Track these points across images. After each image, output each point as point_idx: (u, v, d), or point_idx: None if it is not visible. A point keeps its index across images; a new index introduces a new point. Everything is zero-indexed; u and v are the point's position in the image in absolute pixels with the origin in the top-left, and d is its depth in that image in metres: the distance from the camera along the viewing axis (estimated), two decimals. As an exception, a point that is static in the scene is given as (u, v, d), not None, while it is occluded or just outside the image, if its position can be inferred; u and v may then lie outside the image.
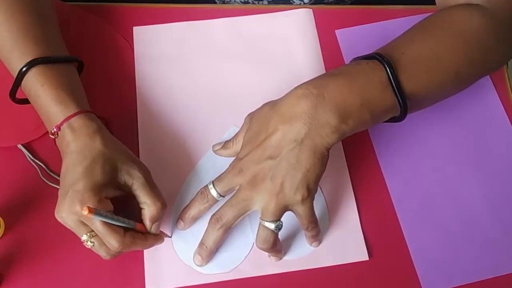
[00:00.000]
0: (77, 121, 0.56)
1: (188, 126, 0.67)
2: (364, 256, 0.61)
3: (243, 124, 0.60)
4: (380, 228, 0.63)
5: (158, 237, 0.58)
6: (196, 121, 0.68)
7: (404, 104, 0.56)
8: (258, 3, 0.80)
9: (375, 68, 0.56)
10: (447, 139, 0.69)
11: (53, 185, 0.63)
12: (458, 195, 0.65)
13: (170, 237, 0.61)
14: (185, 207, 0.61)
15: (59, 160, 0.64)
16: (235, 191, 0.57)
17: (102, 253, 0.55)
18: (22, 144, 0.64)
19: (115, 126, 0.63)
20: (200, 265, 0.59)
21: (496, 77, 0.73)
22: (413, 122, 0.68)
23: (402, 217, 0.64)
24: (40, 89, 0.57)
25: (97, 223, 0.53)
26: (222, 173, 0.58)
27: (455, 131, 0.69)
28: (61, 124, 0.56)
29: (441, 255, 0.62)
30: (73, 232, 0.61)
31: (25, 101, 0.61)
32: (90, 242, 0.54)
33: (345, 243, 0.62)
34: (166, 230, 0.61)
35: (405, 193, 0.65)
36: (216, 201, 0.59)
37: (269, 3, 0.79)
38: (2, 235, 0.60)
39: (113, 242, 0.53)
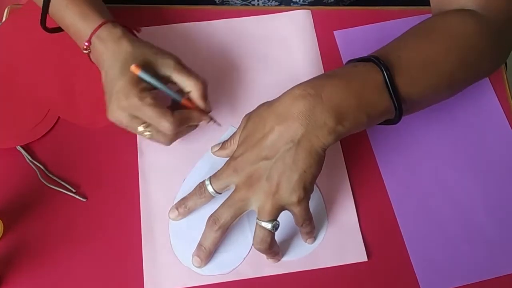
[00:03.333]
0: (103, 31, 0.60)
1: (188, 125, 0.67)
2: (363, 257, 0.61)
3: (240, 124, 0.60)
4: (379, 229, 0.63)
5: (202, 112, 0.61)
6: (195, 122, 0.68)
7: (399, 107, 0.56)
8: (258, 3, 0.80)
9: (371, 70, 0.56)
10: (445, 140, 0.69)
11: (52, 186, 0.63)
12: (456, 196, 0.65)
13: (220, 125, 0.63)
14: (182, 199, 0.61)
15: (58, 162, 0.64)
16: (231, 191, 0.57)
17: (161, 139, 0.59)
18: (21, 146, 0.64)
19: (115, 127, 0.63)
20: (199, 267, 0.59)
21: (494, 79, 0.73)
22: (412, 123, 0.68)
23: (401, 218, 0.64)
24: (65, 9, 0.62)
25: (147, 109, 0.56)
26: (218, 171, 0.58)
27: (454, 132, 0.69)
28: (90, 37, 0.61)
29: (440, 256, 0.62)
30: (72, 234, 0.61)
31: (57, 29, 0.65)
32: (147, 132, 0.58)
33: (344, 244, 0.62)
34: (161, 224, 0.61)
35: (403, 194, 0.65)
36: (212, 197, 0.59)
37: (268, 0, 0.79)
38: (1, 236, 0.60)
39: (165, 123, 0.56)
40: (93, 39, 0.60)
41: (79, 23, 0.61)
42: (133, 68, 0.56)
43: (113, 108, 0.57)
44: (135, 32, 0.67)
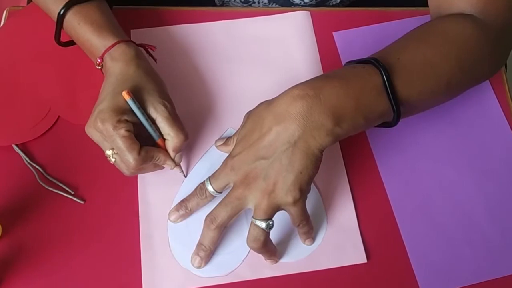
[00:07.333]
0: (116, 50, 0.61)
1: (186, 128, 0.67)
2: (362, 259, 0.61)
3: (242, 122, 0.60)
4: (378, 230, 0.63)
5: (170, 159, 0.61)
6: (193, 123, 0.68)
7: (397, 110, 0.56)
8: (258, 4, 0.80)
9: (371, 72, 0.56)
10: (445, 141, 0.69)
11: (51, 188, 0.62)
12: (456, 197, 0.65)
13: (185, 176, 0.64)
14: (182, 200, 0.61)
15: (56, 163, 0.64)
16: (229, 189, 0.57)
17: (123, 169, 0.59)
18: (19, 147, 0.64)
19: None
20: (199, 267, 0.59)
21: (494, 80, 0.73)
22: (411, 123, 0.68)
23: (400, 220, 0.64)
24: (78, 27, 0.63)
25: (117, 139, 0.56)
26: (216, 170, 0.58)
27: (453, 133, 0.69)
28: (103, 55, 0.62)
29: (440, 257, 0.62)
30: (70, 237, 0.61)
31: (70, 43, 0.67)
32: (113, 157, 0.58)
33: (343, 245, 0.62)
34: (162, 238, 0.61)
35: (403, 196, 0.65)
36: (213, 197, 0.59)
37: (269, 2, 0.79)
38: (0, 239, 0.60)
39: (130, 158, 0.57)
40: (105, 57, 0.62)
41: (92, 40, 0.62)
42: (124, 93, 0.56)
43: (90, 124, 0.58)
44: (150, 51, 0.68)
